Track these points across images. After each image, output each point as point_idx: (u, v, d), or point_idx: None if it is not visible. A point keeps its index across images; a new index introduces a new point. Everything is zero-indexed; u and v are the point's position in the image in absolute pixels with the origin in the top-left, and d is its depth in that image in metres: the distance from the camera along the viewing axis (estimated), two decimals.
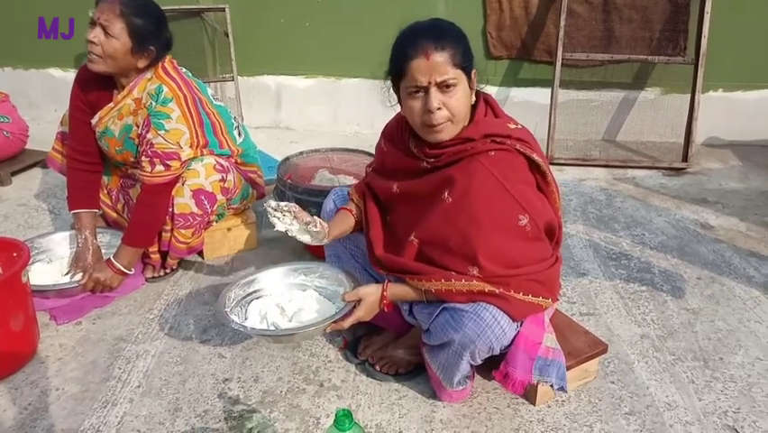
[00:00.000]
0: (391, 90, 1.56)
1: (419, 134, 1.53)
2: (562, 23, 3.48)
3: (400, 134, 1.65)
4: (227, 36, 3.79)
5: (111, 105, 2.13)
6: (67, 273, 2.20)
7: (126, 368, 1.83)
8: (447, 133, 1.47)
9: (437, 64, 1.40)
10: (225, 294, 1.74)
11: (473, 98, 1.53)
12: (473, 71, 1.50)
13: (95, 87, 2.15)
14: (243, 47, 3.88)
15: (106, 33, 1.96)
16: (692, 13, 3.51)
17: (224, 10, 3.74)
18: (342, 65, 3.94)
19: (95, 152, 2.26)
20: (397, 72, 1.47)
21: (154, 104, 2.05)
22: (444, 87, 1.42)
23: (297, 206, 1.60)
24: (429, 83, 1.41)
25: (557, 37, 3.51)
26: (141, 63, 2.05)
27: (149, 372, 1.82)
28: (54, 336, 1.98)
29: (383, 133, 1.76)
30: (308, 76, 4.06)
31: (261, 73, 4.08)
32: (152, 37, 2.02)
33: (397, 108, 1.58)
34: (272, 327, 1.69)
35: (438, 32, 1.43)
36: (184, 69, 2.21)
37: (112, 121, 2.15)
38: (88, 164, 2.27)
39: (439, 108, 1.43)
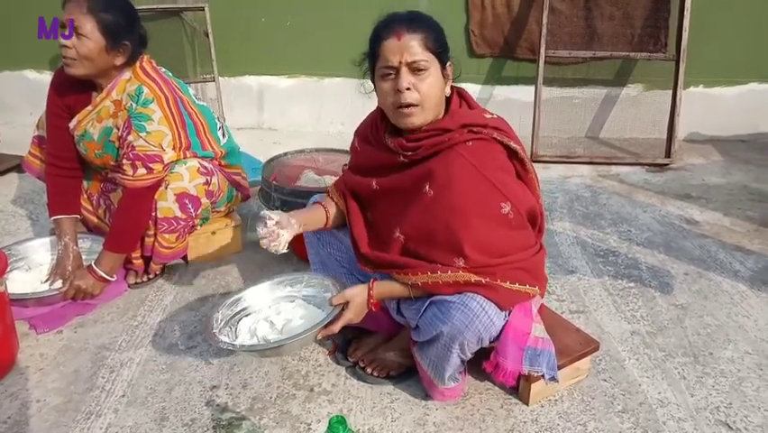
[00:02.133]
0: (368, 79, 1.57)
1: (391, 119, 1.54)
2: (545, 20, 3.48)
3: (375, 131, 1.65)
4: (207, 36, 3.73)
5: (89, 108, 2.08)
6: (46, 281, 2.14)
7: (110, 377, 1.78)
8: (417, 118, 1.48)
9: (408, 45, 1.44)
10: (213, 315, 1.70)
11: (448, 90, 1.54)
12: (449, 63, 1.52)
13: (72, 91, 2.09)
14: (224, 47, 3.83)
15: (78, 34, 1.92)
16: (673, 9, 3.54)
17: (203, 9, 3.68)
18: (325, 64, 3.91)
19: (74, 157, 2.20)
20: (372, 54, 1.51)
21: (134, 105, 2.00)
22: (416, 69, 1.45)
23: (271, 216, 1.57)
24: (400, 63, 1.44)
25: (540, 34, 3.52)
26: (119, 60, 2.00)
27: (133, 380, 1.77)
28: (34, 346, 1.92)
29: (356, 132, 1.77)
30: (290, 75, 4.02)
31: (243, 73, 4.03)
32: (125, 31, 1.97)
33: (373, 96, 1.59)
34: (262, 342, 1.65)
35: (411, 17, 1.48)
36: (164, 69, 2.16)
37: (91, 124, 2.09)
38: (68, 169, 2.21)
39: (408, 89, 1.44)
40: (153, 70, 2.10)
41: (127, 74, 2.04)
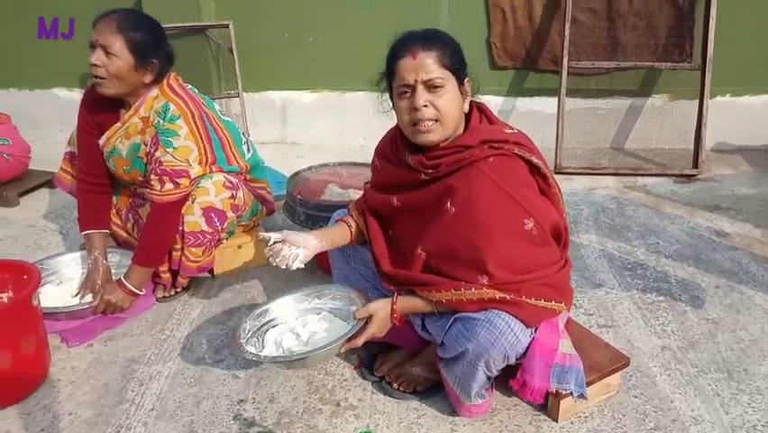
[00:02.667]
0: (386, 97, 1.58)
1: (409, 137, 1.54)
2: (567, 31, 3.47)
3: (395, 149, 1.65)
4: (231, 52, 3.79)
5: (118, 124, 2.12)
6: (77, 294, 2.18)
7: (139, 390, 1.80)
8: (435, 134, 1.48)
9: (424, 63, 1.44)
10: (240, 326, 1.72)
11: (466, 106, 1.53)
12: (467, 79, 1.51)
13: (101, 109, 2.14)
14: (248, 63, 3.88)
15: (107, 53, 1.96)
16: (697, 18, 3.50)
17: (227, 26, 3.74)
18: (347, 79, 3.94)
19: (104, 173, 2.25)
20: (388, 73, 1.52)
21: (162, 121, 2.04)
22: (432, 86, 1.45)
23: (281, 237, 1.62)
24: (416, 81, 1.45)
25: (562, 46, 3.50)
26: (147, 78, 2.04)
27: (162, 394, 1.79)
28: (66, 359, 1.95)
29: (376, 151, 1.77)
30: (313, 90, 4.06)
31: (266, 89, 4.08)
32: (153, 50, 2.02)
33: (392, 116, 1.59)
34: (287, 354, 1.66)
35: (427, 35, 1.49)
36: (189, 86, 2.20)
37: (119, 140, 2.14)
38: (98, 185, 2.26)
39: (425, 106, 1.45)
40: (180, 87, 2.14)
41: (154, 91, 2.09)
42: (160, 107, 2.05)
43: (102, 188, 2.27)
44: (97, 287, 2.16)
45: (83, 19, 3.81)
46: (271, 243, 1.62)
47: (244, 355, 1.61)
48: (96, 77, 2.00)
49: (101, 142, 2.16)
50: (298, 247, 1.63)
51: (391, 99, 1.56)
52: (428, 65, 1.44)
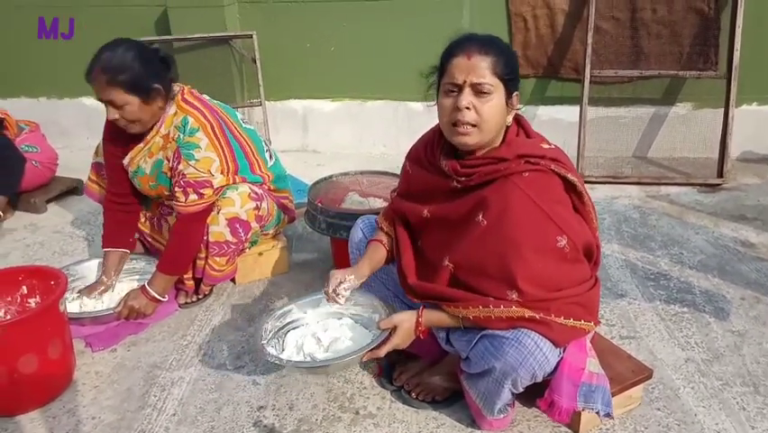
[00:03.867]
0: (433, 90, 1.57)
1: (446, 135, 1.53)
2: (590, 40, 3.45)
3: (429, 153, 1.64)
4: (255, 62, 3.84)
5: (141, 145, 2.16)
6: (74, 299, 2.20)
7: (161, 396, 1.83)
8: (473, 138, 1.46)
9: (476, 66, 1.42)
10: (262, 326, 1.73)
11: (510, 119, 1.52)
12: (516, 93, 1.49)
13: (123, 135, 2.15)
14: (270, 72, 3.93)
15: (116, 106, 1.99)
16: (723, 26, 3.45)
17: (251, 37, 3.79)
18: (368, 88, 3.97)
19: (130, 192, 2.30)
20: (441, 69, 1.50)
21: (182, 135, 2.07)
22: (479, 91, 1.43)
23: (338, 285, 1.64)
24: (464, 82, 1.43)
25: (584, 54, 3.48)
26: (160, 103, 2.06)
27: (184, 399, 1.81)
28: (90, 364, 1.99)
29: (408, 155, 1.75)
30: (334, 99, 4.09)
31: (288, 97, 4.12)
32: (150, 78, 2.00)
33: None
34: (308, 358, 1.67)
35: (487, 41, 1.47)
36: (207, 96, 2.23)
37: (143, 160, 2.18)
38: (125, 204, 2.31)
39: (468, 108, 1.43)
40: (196, 99, 2.16)
41: (172, 109, 2.11)
42: (179, 122, 2.08)
43: (128, 207, 2.32)
44: (93, 294, 2.21)
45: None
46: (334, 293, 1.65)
47: (266, 358, 1.62)
48: (121, 125, 2.05)
49: (125, 162, 2.20)
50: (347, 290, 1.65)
51: (437, 95, 1.54)
52: (481, 68, 1.42)
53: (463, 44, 1.45)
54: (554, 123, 3.79)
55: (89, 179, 2.43)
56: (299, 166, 3.76)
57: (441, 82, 1.50)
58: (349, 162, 3.74)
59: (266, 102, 3.94)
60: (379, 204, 2.40)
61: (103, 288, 2.24)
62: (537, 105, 3.87)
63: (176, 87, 2.13)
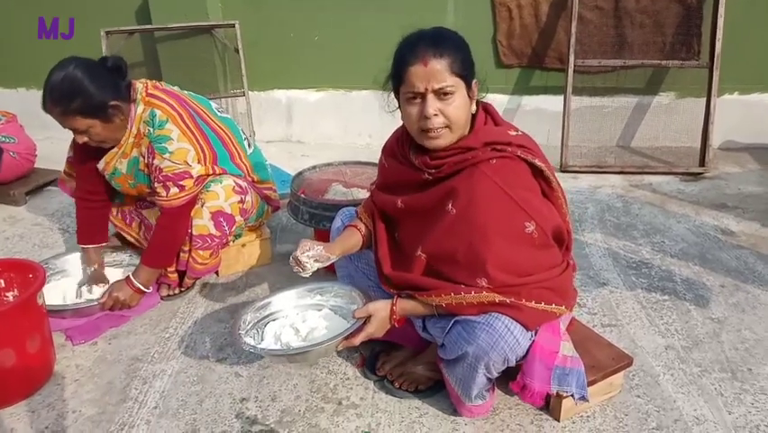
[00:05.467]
0: (392, 96, 1.56)
1: (417, 141, 1.53)
2: (573, 29, 3.45)
3: (401, 147, 1.64)
4: (237, 52, 3.81)
5: (115, 150, 2.11)
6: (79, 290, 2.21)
7: (143, 389, 1.82)
8: (445, 139, 1.47)
9: (435, 71, 1.40)
10: (241, 317, 1.73)
11: (473, 108, 1.52)
12: (474, 81, 1.49)
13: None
14: (254, 62, 3.90)
15: (80, 132, 1.98)
16: (705, 16, 3.47)
17: (233, 26, 3.75)
18: (352, 77, 3.95)
19: (103, 190, 2.27)
20: (397, 78, 1.48)
21: (152, 130, 2.04)
22: (442, 94, 1.42)
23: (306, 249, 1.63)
24: (426, 89, 1.41)
25: (568, 44, 3.49)
26: (121, 117, 2.02)
27: (165, 392, 1.80)
28: (70, 357, 1.97)
29: (383, 149, 1.76)
30: (319, 89, 4.07)
31: (272, 87, 4.09)
32: (102, 96, 1.94)
33: (397, 115, 1.57)
34: (284, 348, 1.67)
35: (437, 40, 1.43)
36: (176, 88, 2.19)
37: (118, 161, 2.14)
38: (97, 201, 2.29)
39: (435, 115, 1.43)
40: (162, 92, 2.11)
41: (140, 108, 2.06)
42: (147, 117, 2.04)
43: (101, 204, 2.30)
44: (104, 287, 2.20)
45: (84, 19, 3.85)
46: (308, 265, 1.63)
47: (242, 346, 1.61)
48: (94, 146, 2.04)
49: (100, 167, 2.16)
50: (317, 262, 1.64)
51: (397, 100, 1.54)
52: (439, 73, 1.39)
53: (416, 49, 1.41)
54: (539, 112, 3.81)
55: (64, 171, 2.39)
56: (284, 157, 3.75)
57: (400, 90, 1.48)
58: (334, 153, 3.73)
59: (249, 92, 3.91)
60: (363, 195, 2.39)
61: (102, 280, 2.25)
62: (522, 95, 3.88)
63: (138, 85, 2.08)
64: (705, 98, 3.45)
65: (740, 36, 3.49)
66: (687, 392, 1.74)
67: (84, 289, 2.22)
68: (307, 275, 1.65)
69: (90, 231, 2.28)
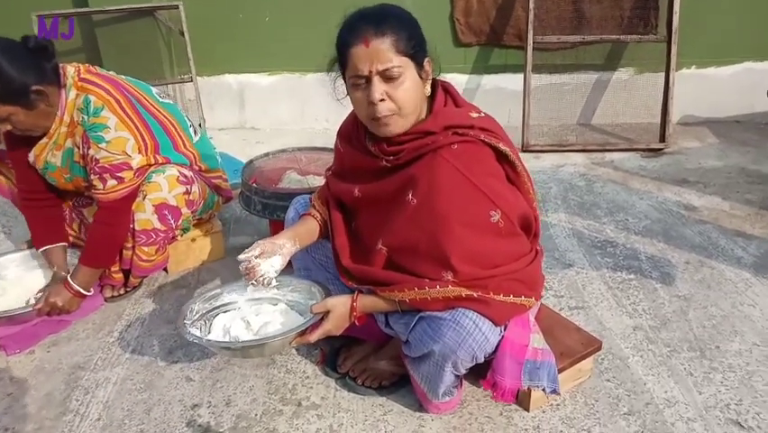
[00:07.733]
0: (340, 81, 1.42)
1: (369, 129, 1.41)
2: (532, 5, 3.38)
3: (356, 133, 1.52)
4: (183, 35, 3.61)
5: (45, 140, 1.93)
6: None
7: (84, 399, 1.68)
8: (396, 126, 1.35)
9: (378, 51, 1.28)
10: (188, 307, 1.60)
11: (428, 88, 1.40)
12: (426, 59, 1.36)
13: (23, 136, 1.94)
14: (201, 46, 3.70)
15: (2, 121, 1.79)
16: None
17: (177, 7, 3.55)
18: (307, 59, 3.78)
19: (46, 187, 2.08)
20: (341, 62, 1.36)
21: (86, 117, 1.86)
22: (389, 77, 1.29)
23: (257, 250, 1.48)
24: (371, 72, 1.29)
25: (527, 20, 3.41)
26: (45, 102, 1.83)
27: (109, 402, 1.67)
28: (4, 369, 1.81)
29: (338, 133, 1.63)
30: (272, 72, 3.91)
31: (222, 72, 3.91)
32: (25, 81, 1.76)
33: (347, 102, 1.44)
34: (232, 341, 1.55)
35: (379, 17, 1.31)
36: (112, 72, 2.03)
37: (50, 154, 1.96)
38: (44, 200, 2.10)
39: (382, 100, 1.30)
40: (96, 76, 1.93)
41: (72, 93, 1.88)
42: (81, 103, 1.87)
43: (49, 202, 2.11)
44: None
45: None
46: (247, 264, 1.47)
47: (186, 337, 1.48)
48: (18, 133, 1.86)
49: (30, 160, 1.98)
50: (273, 255, 1.49)
51: (346, 87, 1.41)
52: (383, 53, 1.27)
53: (356, 29, 1.30)
54: (499, 91, 3.74)
55: None
56: (237, 144, 3.59)
57: (345, 74, 1.36)
58: (290, 139, 3.59)
59: (198, 77, 3.73)
60: (319, 182, 2.27)
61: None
62: (481, 75, 3.80)
63: (70, 68, 1.89)
64: (663, 73, 3.43)
65: (697, 10, 3.47)
66: (657, 374, 1.70)
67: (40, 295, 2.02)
68: (268, 283, 1.50)
69: (43, 231, 2.08)
